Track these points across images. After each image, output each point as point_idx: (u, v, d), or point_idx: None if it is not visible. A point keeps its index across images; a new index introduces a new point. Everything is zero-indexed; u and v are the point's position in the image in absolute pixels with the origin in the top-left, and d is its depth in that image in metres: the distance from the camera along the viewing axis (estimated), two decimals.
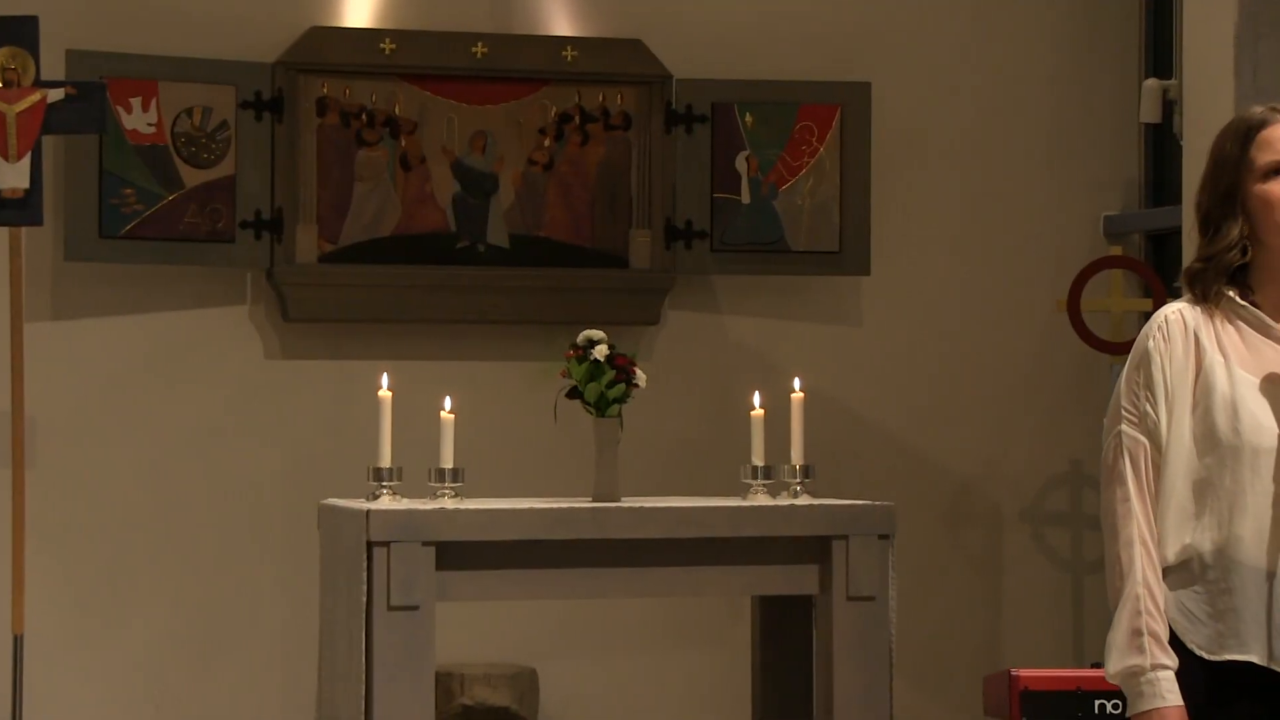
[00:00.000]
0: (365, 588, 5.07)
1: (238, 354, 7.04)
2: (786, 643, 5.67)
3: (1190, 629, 3.47)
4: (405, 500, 5.34)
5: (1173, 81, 7.29)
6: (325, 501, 5.57)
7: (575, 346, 5.49)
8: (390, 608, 5.07)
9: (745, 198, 7.31)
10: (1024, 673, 5.82)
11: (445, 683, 6.70)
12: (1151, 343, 3.53)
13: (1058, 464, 7.61)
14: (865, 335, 7.52)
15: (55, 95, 6.29)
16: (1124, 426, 3.53)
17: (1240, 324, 3.52)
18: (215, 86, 6.92)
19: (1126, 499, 3.50)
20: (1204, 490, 3.47)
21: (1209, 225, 3.56)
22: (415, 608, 5.09)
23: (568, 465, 6.40)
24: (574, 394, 5.49)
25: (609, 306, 7.16)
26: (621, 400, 5.47)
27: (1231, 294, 3.52)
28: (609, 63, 7.23)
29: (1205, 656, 3.45)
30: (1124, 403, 3.54)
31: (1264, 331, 3.51)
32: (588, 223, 7.24)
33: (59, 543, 6.81)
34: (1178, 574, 3.49)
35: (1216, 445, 3.46)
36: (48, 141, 6.44)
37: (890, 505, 5.44)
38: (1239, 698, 3.44)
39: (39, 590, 6.55)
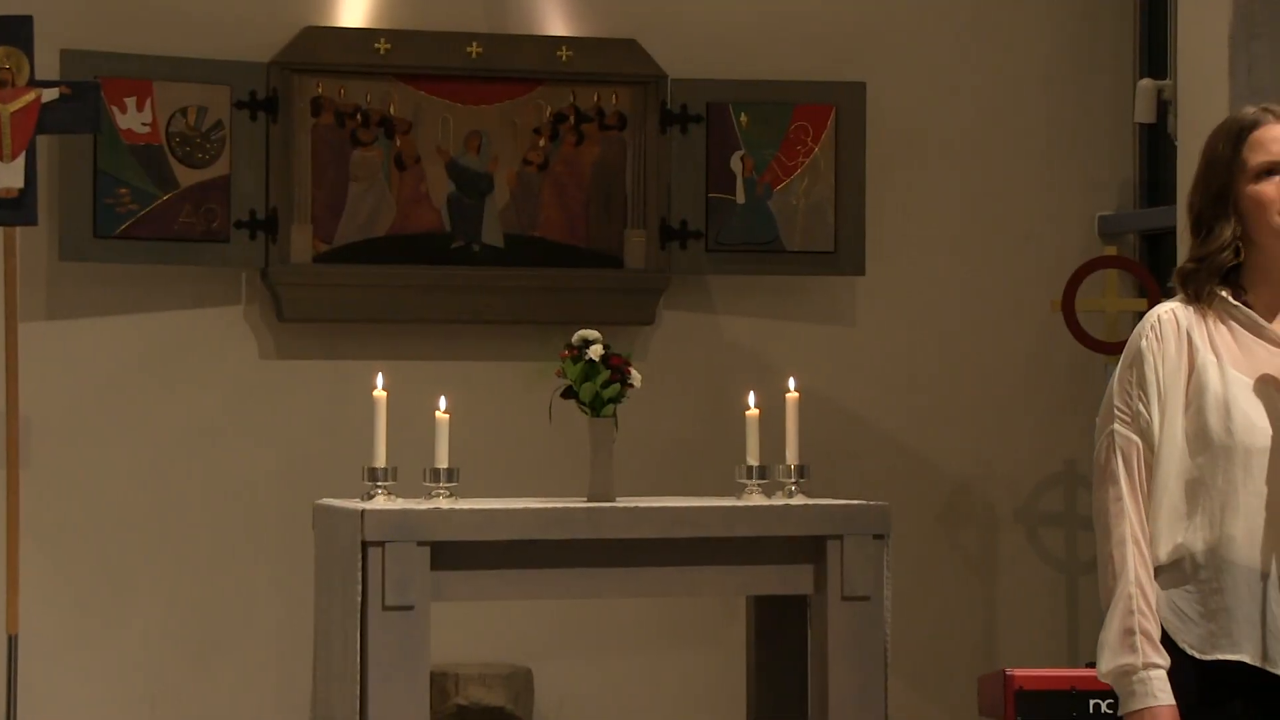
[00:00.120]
0: (360, 587, 5.07)
1: (233, 354, 7.04)
2: (781, 643, 5.67)
3: (1182, 628, 3.47)
4: (400, 500, 5.34)
5: (1167, 82, 7.30)
6: (320, 501, 5.57)
7: (570, 346, 5.49)
8: (385, 607, 5.07)
9: (740, 198, 7.31)
10: (1019, 672, 5.82)
11: (440, 683, 6.70)
12: (1144, 342, 3.53)
13: (1053, 464, 7.61)
14: (860, 335, 7.52)
15: (50, 95, 6.29)
16: (1117, 426, 3.53)
17: (1233, 324, 3.53)
18: (210, 86, 6.91)
19: (1119, 498, 3.50)
20: (1196, 490, 3.48)
21: (1201, 226, 3.56)
22: (410, 607, 5.09)
23: (563, 465, 6.40)
24: (569, 394, 5.49)
25: (604, 306, 7.16)
26: (616, 400, 5.48)
27: (1224, 294, 3.53)
28: (604, 63, 7.23)
29: (1197, 656, 3.46)
30: (1117, 402, 3.54)
31: (1256, 332, 3.51)
32: (583, 223, 7.24)
33: (54, 543, 6.81)
34: (1170, 573, 3.49)
35: (1209, 445, 3.46)
36: (42, 141, 6.44)
37: (885, 505, 5.44)
38: (1230, 697, 3.44)
39: (34, 590, 6.55)
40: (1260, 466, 3.44)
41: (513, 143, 7.19)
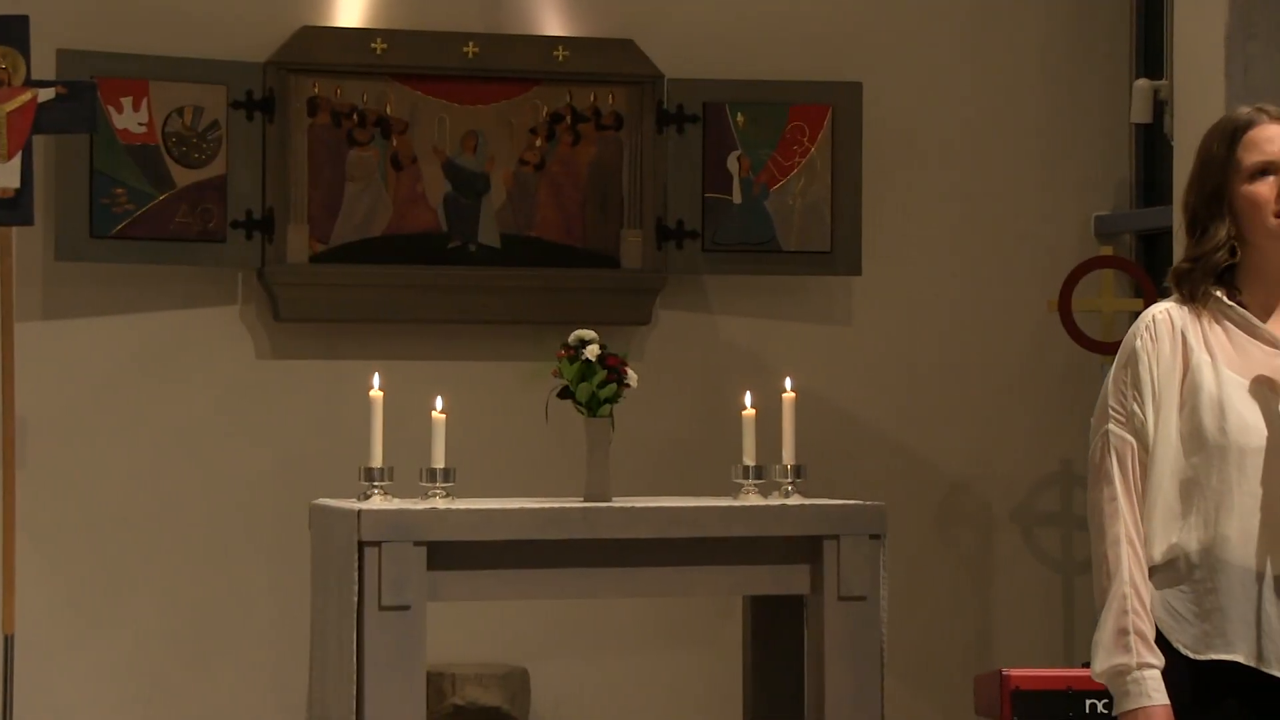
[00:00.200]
0: (356, 587, 5.07)
1: (229, 354, 7.04)
2: (778, 643, 5.67)
3: (1176, 628, 3.47)
4: (396, 500, 5.34)
5: (1163, 82, 7.30)
6: (316, 501, 5.57)
7: (567, 346, 5.49)
8: (381, 607, 5.07)
9: (736, 198, 7.31)
10: (1015, 672, 5.82)
11: (436, 683, 6.70)
12: (1139, 342, 3.54)
13: (1049, 464, 7.62)
14: (856, 335, 7.52)
15: (46, 95, 6.29)
16: (1111, 426, 3.53)
17: (1227, 324, 3.53)
18: (206, 86, 6.91)
19: (1113, 498, 3.50)
20: (1191, 490, 3.48)
21: (1196, 226, 3.57)
22: (406, 607, 5.09)
23: (559, 465, 6.41)
24: (565, 394, 5.50)
25: (600, 306, 7.16)
26: (613, 400, 5.48)
27: (1219, 294, 3.53)
28: (600, 63, 7.23)
29: (1191, 656, 3.46)
30: (1111, 402, 3.54)
31: (1251, 332, 3.52)
32: (579, 223, 7.24)
33: (50, 542, 6.81)
34: (1164, 573, 3.50)
35: (1203, 445, 3.47)
36: (38, 141, 6.44)
37: (881, 505, 5.45)
38: (1224, 697, 3.44)
39: (29, 590, 6.54)
40: (1255, 466, 3.44)
41: (509, 143, 7.19)
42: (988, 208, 7.62)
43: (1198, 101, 6.06)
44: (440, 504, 5.26)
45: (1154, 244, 7.65)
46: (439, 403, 5.43)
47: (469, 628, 6.81)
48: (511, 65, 7.17)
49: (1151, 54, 7.63)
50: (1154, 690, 3.44)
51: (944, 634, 7.51)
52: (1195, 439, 3.47)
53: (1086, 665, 5.04)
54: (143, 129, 6.86)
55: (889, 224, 7.48)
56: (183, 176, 6.91)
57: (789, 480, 5.54)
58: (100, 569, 6.88)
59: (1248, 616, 3.43)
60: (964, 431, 7.57)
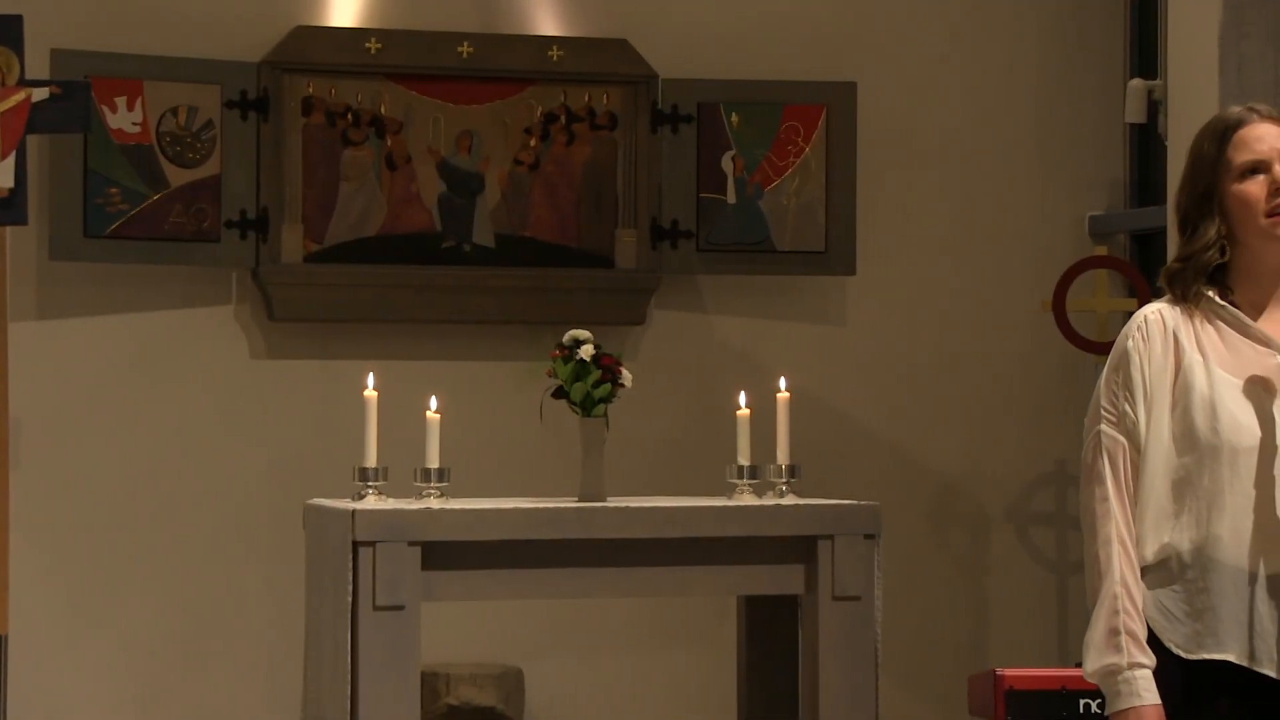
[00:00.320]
0: (351, 587, 5.07)
1: (223, 354, 7.04)
2: (772, 642, 5.67)
3: (1168, 628, 3.48)
4: (391, 500, 5.34)
5: (1157, 81, 7.30)
6: (311, 501, 5.57)
7: (561, 346, 5.49)
8: (376, 607, 5.07)
9: (731, 198, 7.32)
10: (1009, 672, 5.83)
11: (431, 682, 6.69)
12: (1130, 343, 3.54)
13: (1043, 464, 7.62)
14: (851, 335, 7.52)
15: (40, 94, 6.28)
16: (1103, 426, 3.53)
17: (1219, 324, 3.53)
18: (200, 86, 6.91)
19: (1105, 498, 3.51)
20: (1183, 490, 3.48)
21: (1188, 225, 3.57)
22: (401, 607, 5.09)
23: (554, 465, 6.40)
24: (560, 394, 5.49)
25: (595, 306, 7.16)
26: (607, 400, 5.48)
27: (1210, 294, 3.53)
28: (595, 63, 7.23)
29: (1183, 655, 3.46)
30: (1103, 402, 3.55)
31: (1243, 331, 3.52)
32: (573, 223, 7.24)
33: (44, 542, 6.80)
34: (1156, 573, 3.50)
35: (1195, 445, 3.47)
36: (32, 141, 6.43)
37: (876, 505, 5.45)
38: (1216, 696, 3.45)
39: (24, 589, 6.54)
40: (1247, 466, 3.44)
41: (504, 142, 7.19)
42: (982, 208, 7.62)
43: (1192, 101, 6.06)
44: (435, 504, 5.25)
45: (1148, 244, 7.66)
46: (434, 403, 5.43)
47: (464, 628, 6.81)
48: (506, 65, 7.17)
49: (1146, 54, 7.63)
50: (1145, 690, 3.44)
51: (938, 634, 7.51)
52: (1187, 439, 3.48)
53: (1080, 665, 5.05)
54: (137, 129, 6.86)
55: (883, 224, 7.48)
56: (177, 176, 6.90)
57: (783, 480, 5.55)
58: (95, 568, 6.88)
59: (1240, 616, 3.43)
60: (958, 431, 7.57)
